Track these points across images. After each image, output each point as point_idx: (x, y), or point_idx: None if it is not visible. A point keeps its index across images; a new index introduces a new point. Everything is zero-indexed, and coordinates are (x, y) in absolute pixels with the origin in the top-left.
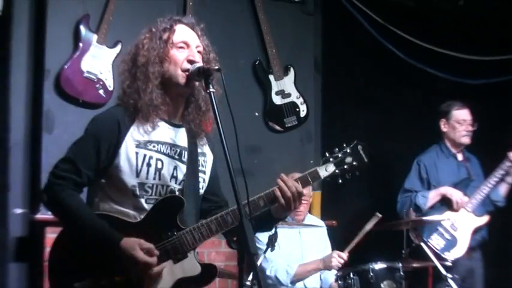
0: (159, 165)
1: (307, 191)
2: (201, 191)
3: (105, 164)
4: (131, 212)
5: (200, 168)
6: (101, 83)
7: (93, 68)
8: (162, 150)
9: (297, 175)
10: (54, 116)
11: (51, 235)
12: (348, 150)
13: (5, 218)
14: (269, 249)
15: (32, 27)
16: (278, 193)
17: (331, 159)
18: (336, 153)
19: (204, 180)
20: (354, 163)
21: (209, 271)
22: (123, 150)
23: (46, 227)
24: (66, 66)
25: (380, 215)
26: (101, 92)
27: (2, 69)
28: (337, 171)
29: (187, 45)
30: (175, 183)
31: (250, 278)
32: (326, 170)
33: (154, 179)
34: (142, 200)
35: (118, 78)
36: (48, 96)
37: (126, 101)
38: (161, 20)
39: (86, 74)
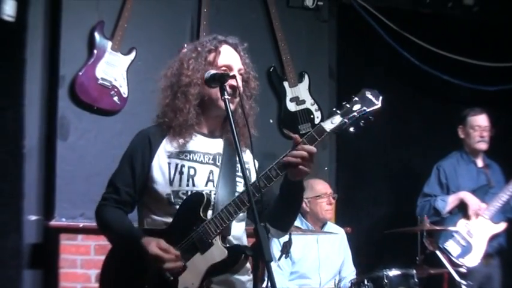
0: (192, 172)
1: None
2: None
3: (142, 178)
4: (169, 220)
5: (239, 174)
6: (116, 89)
7: (107, 75)
8: (194, 159)
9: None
10: (69, 123)
11: (65, 242)
12: (355, 99)
13: (19, 224)
14: (283, 256)
15: (46, 34)
16: (289, 160)
17: (337, 112)
18: (343, 105)
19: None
20: (364, 108)
21: (236, 252)
22: (155, 162)
23: (60, 233)
24: (80, 73)
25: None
26: (116, 99)
27: (17, 76)
28: (345, 120)
29: (230, 69)
30: (213, 186)
31: (264, 285)
32: (332, 123)
33: (187, 185)
34: (178, 207)
35: (160, 93)
36: (63, 103)
37: (161, 119)
38: (207, 38)
39: (100, 81)
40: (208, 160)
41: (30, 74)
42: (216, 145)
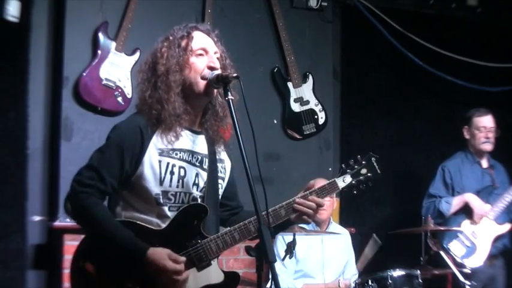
0: (182, 173)
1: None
2: (220, 196)
3: (129, 172)
4: (154, 220)
5: (219, 174)
6: (120, 90)
7: (111, 76)
8: (184, 158)
9: (320, 181)
10: (73, 124)
11: (69, 242)
12: (363, 162)
13: (23, 225)
14: (287, 256)
15: (50, 35)
16: (299, 209)
17: (348, 171)
18: (352, 165)
19: (221, 187)
20: (369, 174)
21: (232, 278)
22: (146, 158)
23: (64, 234)
24: (84, 74)
25: (378, 240)
26: (119, 99)
27: (21, 76)
28: (353, 182)
29: (206, 52)
30: (197, 190)
31: (268, 285)
32: (343, 181)
33: (177, 187)
34: (166, 208)
35: (137, 88)
36: (67, 104)
37: (148, 111)
38: (177, 27)
39: (104, 82)
40: (196, 161)
41: (34, 74)
42: (201, 144)
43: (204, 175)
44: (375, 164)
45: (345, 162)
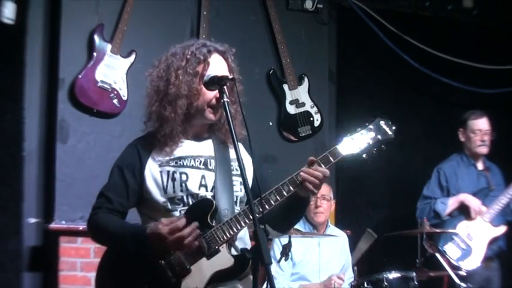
0: (184, 178)
1: (327, 188)
2: (239, 194)
3: (137, 188)
4: None
5: (234, 172)
6: (115, 92)
7: (107, 78)
8: (184, 164)
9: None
10: (69, 126)
11: (65, 244)
12: (371, 126)
13: (19, 227)
14: (283, 258)
15: (46, 37)
16: (304, 177)
17: (352, 138)
18: (358, 132)
19: (241, 183)
20: (378, 137)
21: (242, 261)
22: (147, 172)
23: (60, 236)
24: (80, 76)
25: (373, 234)
26: (115, 101)
27: (17, 78)
28: (360, 147)
29: None
30: (206, 190)
31: (264, 287)
32: (347, 148)
33: (181, 191)
34: (176, 213)
35: (145, 99)
36: (62, 106)
37: (148, 128)
38: (196, 45)
39: (100, 84)
40: (200, 164)
41: (30, 76)
42: (206, 147)
43: (211, 176)
44: (384, 126)
45: (351, 129)
